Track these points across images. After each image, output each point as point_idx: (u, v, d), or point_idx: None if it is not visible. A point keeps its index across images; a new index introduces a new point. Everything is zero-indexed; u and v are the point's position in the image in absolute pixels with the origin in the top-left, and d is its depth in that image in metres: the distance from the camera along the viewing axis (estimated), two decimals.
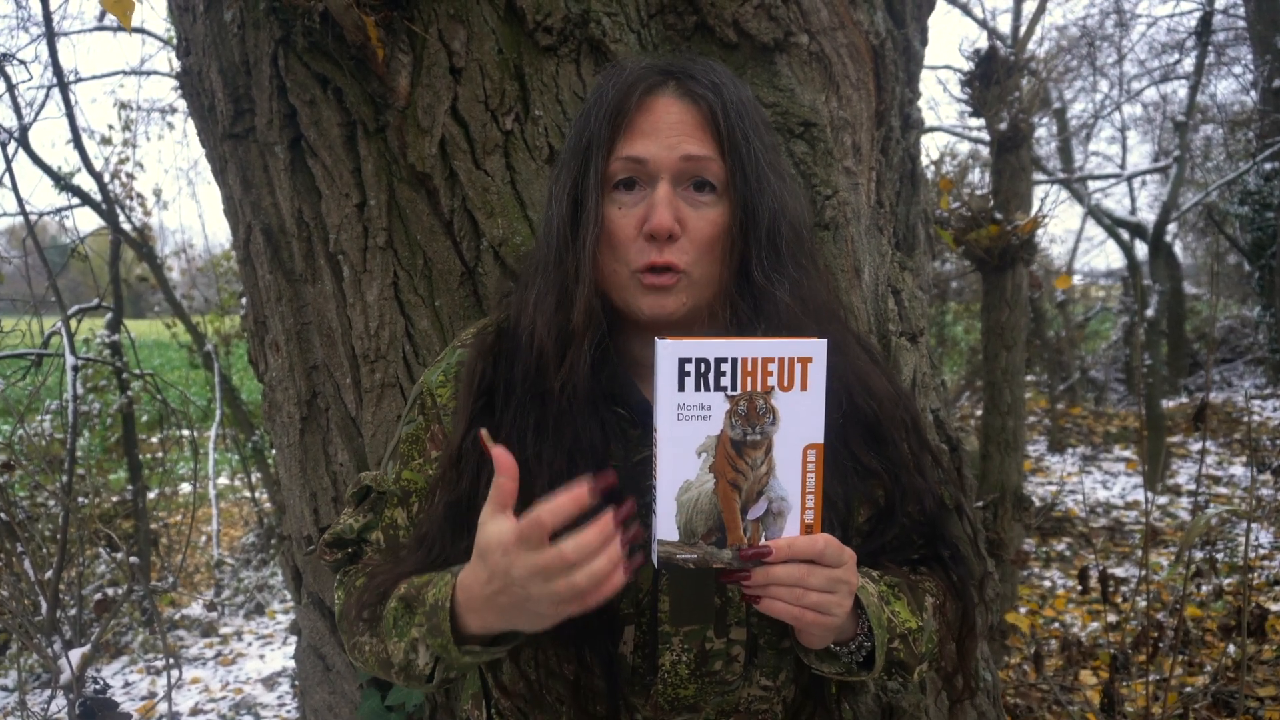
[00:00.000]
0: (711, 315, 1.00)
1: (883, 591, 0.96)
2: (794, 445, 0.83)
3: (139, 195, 5.77)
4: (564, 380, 0.94)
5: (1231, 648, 3.21)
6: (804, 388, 0.82)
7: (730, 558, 0.84)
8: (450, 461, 0.99)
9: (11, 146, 3.15)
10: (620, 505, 0.80)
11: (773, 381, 0.81)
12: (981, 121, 3.76)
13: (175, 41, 1.69)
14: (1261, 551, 4.63)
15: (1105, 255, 27.38)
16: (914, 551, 1.07)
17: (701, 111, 0.96)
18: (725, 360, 0.80)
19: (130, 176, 5.67)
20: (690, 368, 0.80)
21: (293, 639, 4.00)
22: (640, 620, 0.99)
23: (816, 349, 0.81)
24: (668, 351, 0.80)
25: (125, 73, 5.04)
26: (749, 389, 0.81)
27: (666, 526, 0.84)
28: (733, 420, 0.82)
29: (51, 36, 2.59)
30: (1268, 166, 6.68)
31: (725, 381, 0.81)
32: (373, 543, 1.08)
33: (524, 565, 0.77)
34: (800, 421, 0.82)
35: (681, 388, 0.81)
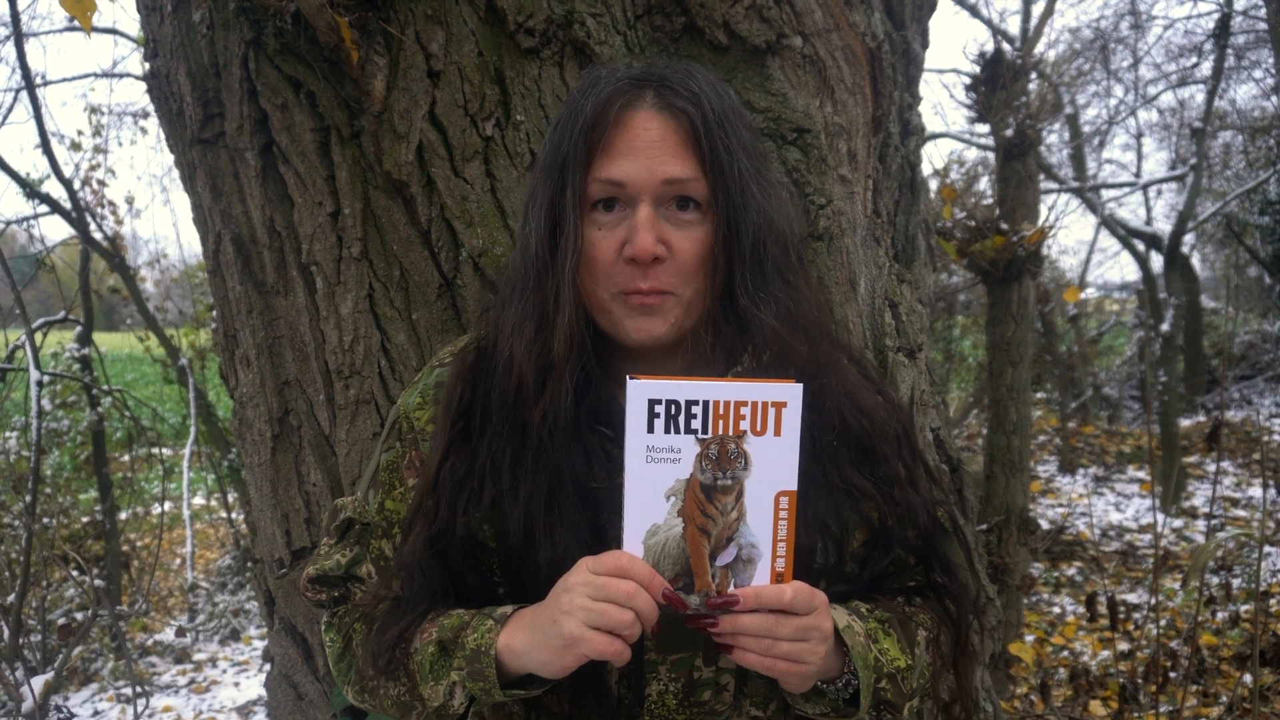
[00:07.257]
0: (695, 339, 0.97)
1: (871, 629, 0.94)
2: (766, 491, 0.81)
3: (110, 203, 5.66)
4: (545, 411, 0.92)
5: (1248, 677, 3.11)
6: (778, 433, 0.79)
7: (698, 604, 0.82)
8: (428, 487, 0.97)
9: None
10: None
11: (745, 425, 0.79)
12: (987, 128, 3.69)
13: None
14: None
15: (1119, 267, 27.39)
16: (910, 578, 1.06)
17: (681, 126, 0.93)
18: (696, 402, 0.78)
19: (101, 183, 5.56)
20: (660, 409, 0.78)
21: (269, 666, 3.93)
22: None
23: (791, 393, 0.79)
24: (638, 392, 0.78)
25: (96, 75, 4.99)
26: (720, 432, 0.79)
27: None
28: (703, 464, 0.79)
29: (19, 37, 2.56)
30: None
31: (696, 424, 0.79)
32: (362, 578, 1.07)
33: (583, 576, 0.82)
34: (773, 467, 0.80)
35: (651, 429, 0.78)
